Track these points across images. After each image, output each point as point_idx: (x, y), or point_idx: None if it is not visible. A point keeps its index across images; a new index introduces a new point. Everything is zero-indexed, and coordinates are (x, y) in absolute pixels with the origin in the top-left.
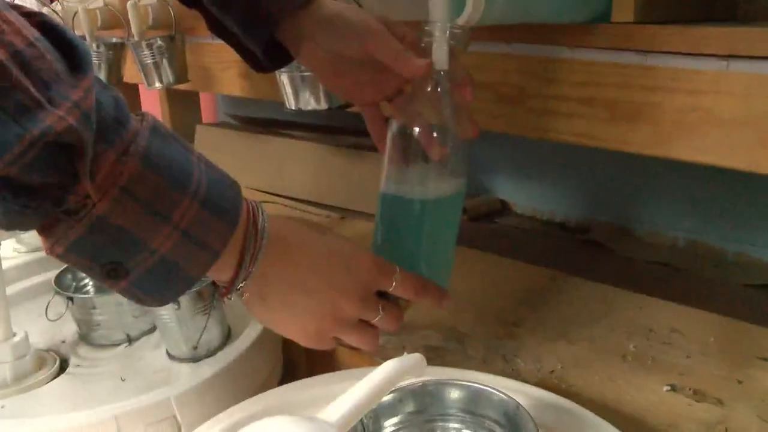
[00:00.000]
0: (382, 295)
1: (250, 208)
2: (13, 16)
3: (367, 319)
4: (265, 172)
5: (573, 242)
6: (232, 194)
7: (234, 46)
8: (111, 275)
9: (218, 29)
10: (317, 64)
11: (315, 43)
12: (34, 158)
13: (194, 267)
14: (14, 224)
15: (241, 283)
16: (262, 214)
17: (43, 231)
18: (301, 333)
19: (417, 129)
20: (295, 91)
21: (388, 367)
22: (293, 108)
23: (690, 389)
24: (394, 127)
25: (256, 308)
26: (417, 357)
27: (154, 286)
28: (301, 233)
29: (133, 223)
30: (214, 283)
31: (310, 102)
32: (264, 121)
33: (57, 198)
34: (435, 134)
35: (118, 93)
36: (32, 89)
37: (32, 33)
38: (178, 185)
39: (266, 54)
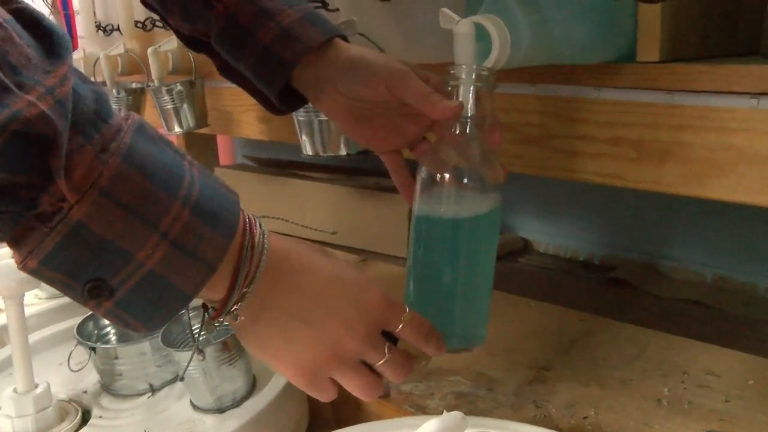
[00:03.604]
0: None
1: (247, 221)
2: None
3: (371, 361)
4: (285, 215)
5: (598, 281)
6: (227, 203)
7: (247, 89)
8: (93, 295)
9: (229, 73)
10: (338, 111)
11: (336, 88)
12: (1, 151)
13: (187, 282)
14: None
15: (235, 305)
16: (261, 227)
17: (15, 241)
18: (296, 369)
19: (447, 175)
20: (312, 138)
21: (428, 429)
22: (311, 154)
23: None
24: (423, 172)
25: (249, 337)
26: (457, 416)
27: (143, 307)
28: (305, 254)
29: (116, 231)
30: (204, 306)
31: (328, 148)
32: (282, 163)
33: (29, 200)
34: (465, 179)
35: (100, 87)
36: None
37: (1, 14)
38: (167, 189)
39: (281, 97)
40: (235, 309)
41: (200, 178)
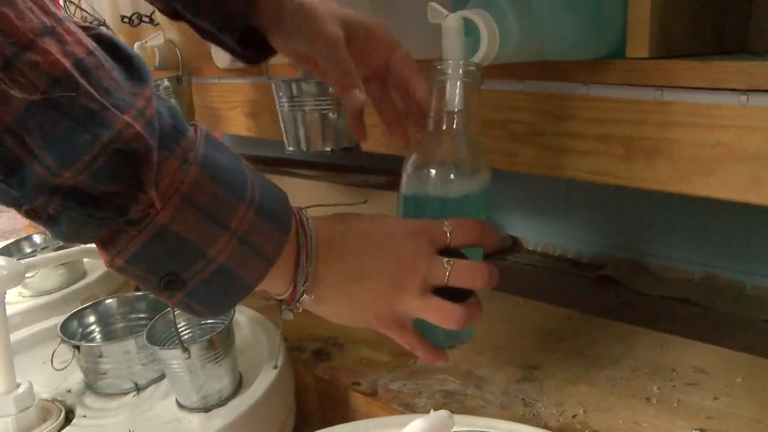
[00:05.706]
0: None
1: (296, 212)
2: (74, 27)
3: (438, 279)
4: None
5: (587, 279)
6: (281, 201)
7: (226, 48)
8: (168, 287)
9: (207, 34)
10: (291, 54)
11: (284, 33)
12: (102, 166)
13: (251, 275)
14: (76, 235)
15: (303, 285)
16: (305, 214)
17: (104, 243)
18: (375, 318)
19: (432, 170)
20: (296, 133)
21: (414, 428)
22: (294, 150)
23: None
24: (409, 167)
25: (323, 309)
26: (444, 415)
27: (211, 296)
28: (340, 225)
29: (193, 231)
30: (279, 301)
31: (311, 144)
32: (269, 160)
33: (120, 207)
34: (451, 174)
35: (172, 102)
36: (96, 96)
37: (90, 43)
38: (235, 193)
39: (249, 46)
40: (305, 288)
41: (257, 179)
